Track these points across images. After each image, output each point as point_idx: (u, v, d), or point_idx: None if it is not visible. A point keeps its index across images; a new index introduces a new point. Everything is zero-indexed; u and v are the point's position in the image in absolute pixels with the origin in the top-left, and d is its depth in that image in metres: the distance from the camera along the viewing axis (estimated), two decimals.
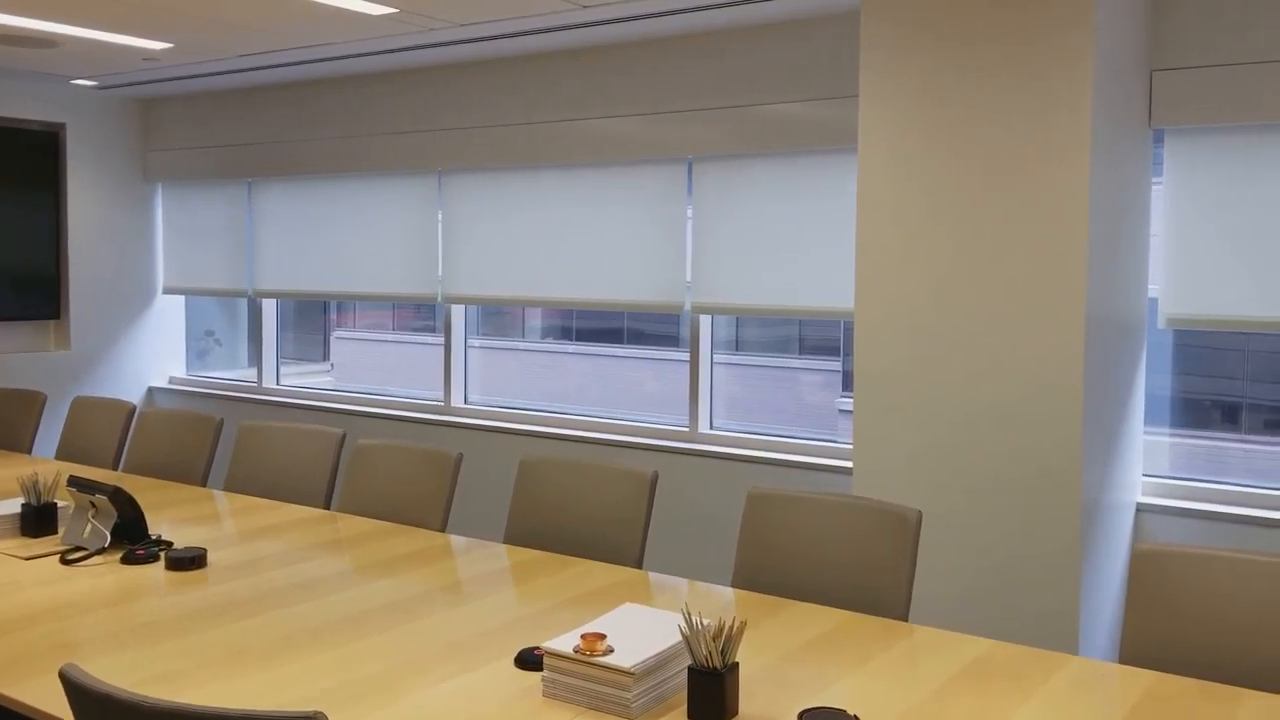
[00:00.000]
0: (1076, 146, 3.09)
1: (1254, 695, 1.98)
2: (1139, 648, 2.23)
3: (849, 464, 4.08)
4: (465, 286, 5.21)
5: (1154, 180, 3.57)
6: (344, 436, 3.50)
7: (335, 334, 7.88)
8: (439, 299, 5.33)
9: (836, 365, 5.96)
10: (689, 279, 4.54)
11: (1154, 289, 3.58)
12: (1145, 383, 3.64)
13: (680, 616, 1.99)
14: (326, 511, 3.29)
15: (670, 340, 5.05)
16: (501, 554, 2.84)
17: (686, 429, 4.65)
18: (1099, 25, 3.08)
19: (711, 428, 4.63)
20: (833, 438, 4.37)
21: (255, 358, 6.27)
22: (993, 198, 3.22)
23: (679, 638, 1.94)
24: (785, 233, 4.29)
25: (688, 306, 4.55)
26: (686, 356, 4.69)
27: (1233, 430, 4.34)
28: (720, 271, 4.45)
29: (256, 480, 3.60)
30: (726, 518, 4.44)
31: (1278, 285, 3.37)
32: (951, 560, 3.34)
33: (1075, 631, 3.14)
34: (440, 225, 5.31)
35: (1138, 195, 3.49)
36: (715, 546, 4.47)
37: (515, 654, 2.11)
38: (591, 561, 2.78)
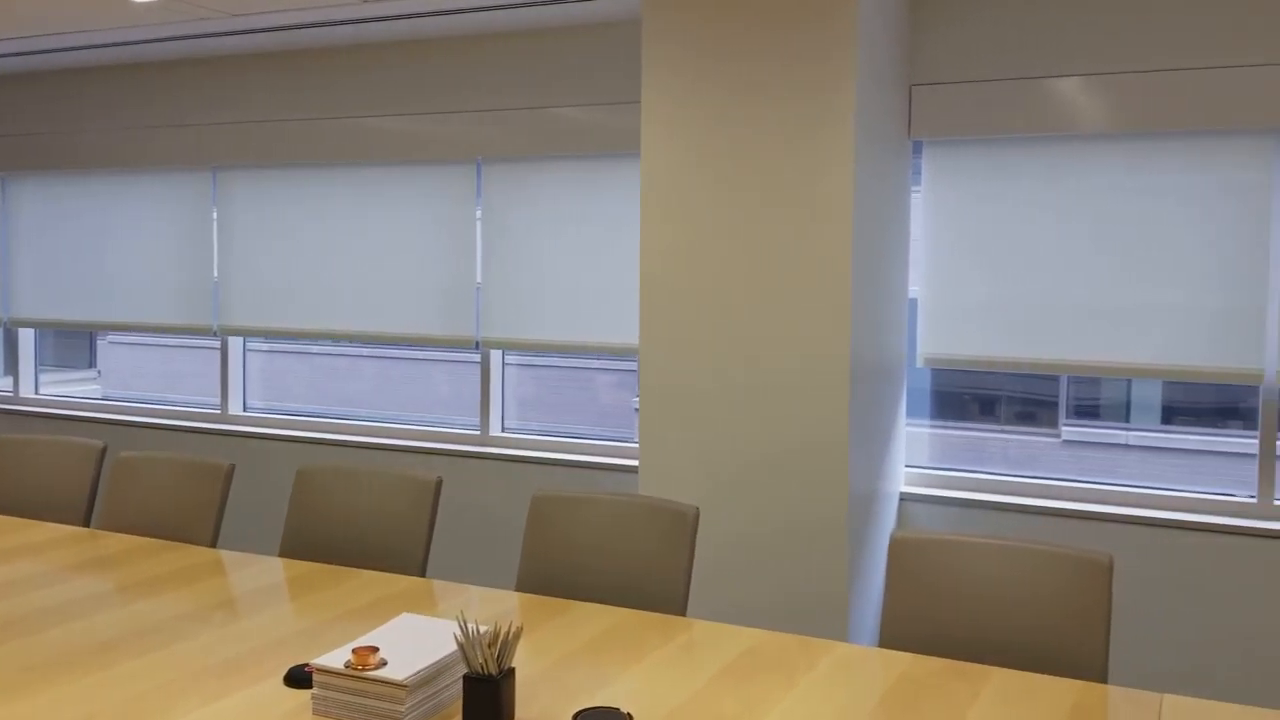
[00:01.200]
0: (842, 157, 3.24)
1: (1000, 672, 2.13)
2: (897, 631, 2.37)
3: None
4: (244, 312, 4.99)
5: (914, 188, 3.79)
6: (105, 449, 3.30)
7: (106, 337, 7.41)
8: (215, 329, 5.09)
9: (633, 365, 6.04)
10: (480, 283, 4.51)
11: (914, 289, 3.80)
12: (907, 376, 3.86)
13: (456, 625, 1.98)
14: (86, 529, 3.09)
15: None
16: (277, 568, 2.74)
17: (478, 432, 4.62)
18: (862, 41, 3.24)
19: (503, 430, 4.62)
20: (630, 437, 4.43)
21: (10, 365, 5.81)
22: (765, 205, 3.34)
23: (454, 646, 1.92)
24: (576, 236, 4.32)
25: (479, 340, 4.51)
26: (479, 358, 4.65)
27: (990, 421, 4.66)
28: (512, 288, 4.43)
29: (8, 498, 3.35)
30: (518, 521, 4.43)
31: (1025, 309, 3.63)
32: (731, 553, 3.45)
33: (845, 617, 3.30)
34: (215, 227, 5.08)
35: (899, 201, 3.70)
36: (508, 550, 4.46)
37: (285, 672, 2.04)
38: (372, 572, 2.72)
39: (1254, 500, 3.42)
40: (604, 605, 2.50)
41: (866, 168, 3.33)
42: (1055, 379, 4.31)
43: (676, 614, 2.52)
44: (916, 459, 3.91)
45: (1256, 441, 3.42)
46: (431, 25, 4.30)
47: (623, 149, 4.17)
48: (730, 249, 3.40)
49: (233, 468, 3.05)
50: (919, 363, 3.77)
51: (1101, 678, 2.19)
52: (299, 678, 1.99)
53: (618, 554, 2.63)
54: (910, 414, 3.90)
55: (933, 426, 3.94)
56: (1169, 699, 2.01)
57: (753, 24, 3.33)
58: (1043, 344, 3.62)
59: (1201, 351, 3.41)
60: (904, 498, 3.77)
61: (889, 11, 3.47)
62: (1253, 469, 3.43)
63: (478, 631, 1.83)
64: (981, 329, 3.69)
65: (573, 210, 4.32)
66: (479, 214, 4.51)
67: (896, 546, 2.40)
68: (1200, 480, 3.58)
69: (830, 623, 3.32)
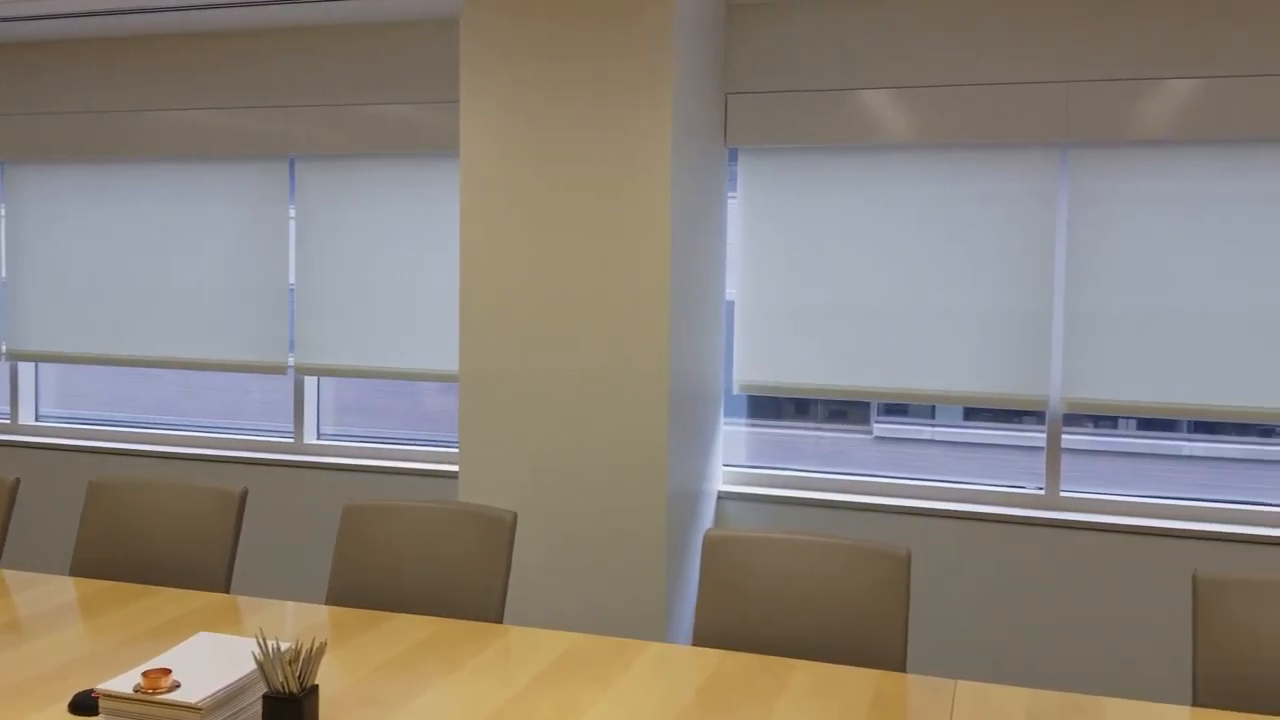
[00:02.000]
0: (659, 162, 3.28)
1: (806, 665, 2.20)
2: (710, 628, 2.41)
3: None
4: (36, 326, 4.66)
5: (731, 194, 3.88)
6: None
7: None
8: (3, 355, 4.74)
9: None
10: (294, 284, 4.35)
11: (731, 292, 3.89)
12: (724, 378, 3.95)
13: (255, 642, 1.90)
14: None
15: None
16: (67, 587, 2.58)
17: (291, 440, 4.46)
18: (677, 50, 3.29)
19: (319, 437, 4.48)
20: (455, 441, 4.36)
21: None
22: (584, 210, 3.35)
23: (254, 665, 1.85)
24: (398, 239, 4.22)
25: (291, 366, 4.35)
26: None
27: (805, 419, 4.80)
28: (328, 296, 4.30)
29: None
30: (335, 531, 4.31)
31: (835, 320, 3.76)
32: (552, 558, 3.44)
33: (664, 617, 3.35)
34: (3, 227, 4.74)
35: (716, 206, 3.77)
36: (324, 562, 4.32)
37: (70, 699, 1.92)
38: (170, 589, 2.59)
39: (1042, 492, 3.64)
40: (419, 616, 2.46)
41: (684, 172, 3.39)
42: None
43: (493, 621, 2.50)
44: (734, 458, 3.99)
45: (1045, 436, 3.65)
46: (243, 16, 4.13)
47: (446, 148, 4.11)
48: (551, 252, 3.39)
49: (18, 481, 2.85)
50: (735, 389, 3.86)
51: (901, 666, 2.29)
52: (85, 704, 1.87)
53: (433, 562, 2.58)
54: (727, 413, 3.98)
55: (749, 425, 4.04)
56: (962, 684, 2.11)
57: (571, 26, 3.33)
58: (852, 364, 3.75)
59: (994, 377, 3.61)
60: (722, 496, 3.85)
61: (704, 20, 3.53)
62: (1042, 461, 3.65)
63: (278, 648, 1.77)
64: (794, 350, 3.80)
65: (394, 211, 4.23)
66: (293, 214, 4.36)
67: (708, 545, 2.44)
68: (996, 473, 3.78)
69: (650, 623, 3.35)
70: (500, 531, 2.55)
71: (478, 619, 2.51)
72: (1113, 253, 3.50)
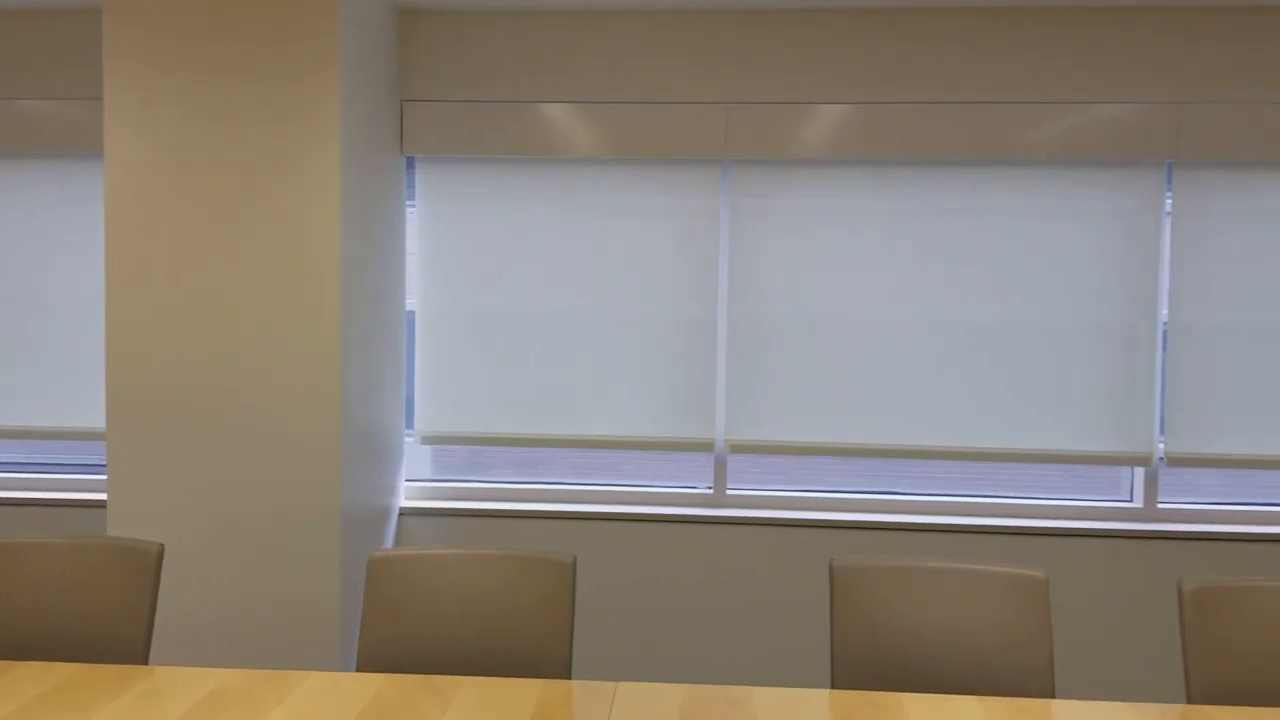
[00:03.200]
0: (327, 171, 3.17)
1: (471, 680, 2.19)
2: (375, 652, 2.35)
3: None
4: None
5: (410, 203, 3.81)
6: None
7: None
8: None
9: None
10: None
11: (411, 302, 3.83)
12: (406, 392, 3.88)
13: None
14: None
15: None
16: None
17: None
18: (345, 57, 3.19)
19: None
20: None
21: None
22: (248, 222, 3.19)
23: None
24: (34, 250, 3.85)
25: None
26: None
27: None
28: None
29: None
30: None
31: (514, 339, 3.79)
32: (214, 588, 3.25)
33: (337, 645, 3.23)
34: None
35: (392, 217, 3.69)
36: None
37: None
38: None
39: (711, 491, 3.82)
40: (49, 663, 2.24)
41: (354, 180, 3.29)
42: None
43: (138, 663, 2.32)
44: (418, 472, 3.92)
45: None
46: None
47: (99, 149, 3.78)
48: (209, 266, 3.20)
49: None
50: (418, 440, 3.80)
51: (566, 673, 2.32)
52: None
53: (70, 603, 2.37)
54: (410, 425, 3.91)
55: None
56: (623, 686, 2.17)
57: (227, 32, 3.16)
58: (530, 389, 3.79)
59: (666, 411, 3.75)
60: (404, 513, 3.77)
61: (372, 25, 3.45)
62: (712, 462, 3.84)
63: None
64: (475, 385, 3.79)
65: (35, 219, 3.85)
66: None
67: (373, 567, 2.38)
68: (688, 473, 3.91)
69: (323, 651, 3.23)
70: (145, 565, 2.37)
71: (120, 662, 2.32)
72: (767, 268, 3.73)
